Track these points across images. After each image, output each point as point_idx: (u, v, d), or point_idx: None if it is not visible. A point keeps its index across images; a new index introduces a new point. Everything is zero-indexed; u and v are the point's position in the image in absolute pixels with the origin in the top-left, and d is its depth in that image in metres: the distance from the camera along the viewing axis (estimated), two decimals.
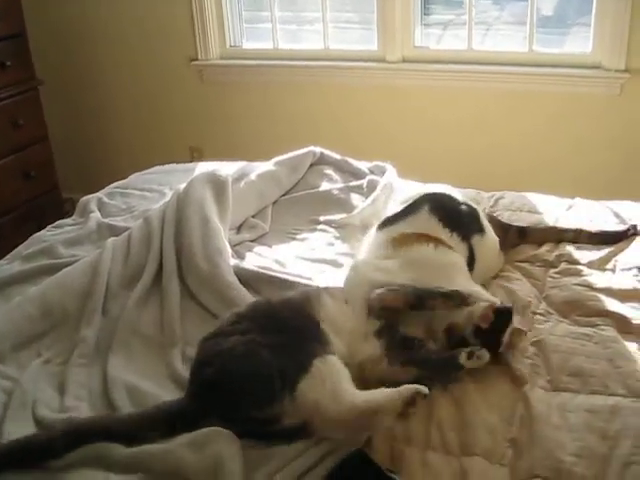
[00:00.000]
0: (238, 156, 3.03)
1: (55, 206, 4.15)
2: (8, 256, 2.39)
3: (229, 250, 2.23)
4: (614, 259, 2.22)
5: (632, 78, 3.65)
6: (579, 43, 3.86)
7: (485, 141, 4.00)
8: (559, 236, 2.32)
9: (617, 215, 2.47)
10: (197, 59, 4.44)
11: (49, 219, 2.78)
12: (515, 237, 2.31)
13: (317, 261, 2.25)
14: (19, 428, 1.61)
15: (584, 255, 2.24)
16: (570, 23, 4.02)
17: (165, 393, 1.74)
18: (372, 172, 2.58)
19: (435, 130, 4.08)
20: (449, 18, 4.24)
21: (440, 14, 4.32)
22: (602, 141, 3.82)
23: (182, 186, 2.43)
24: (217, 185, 2.43)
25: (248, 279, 2.13)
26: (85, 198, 2.73)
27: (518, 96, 3.93)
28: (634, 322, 1.92)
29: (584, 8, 3.78)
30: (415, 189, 2.35)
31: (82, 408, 1.71)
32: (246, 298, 2.01)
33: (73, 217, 2.65)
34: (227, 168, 2.69)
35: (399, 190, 2.54)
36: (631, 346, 1.84)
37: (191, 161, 3.61)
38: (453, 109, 4.03)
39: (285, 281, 2.09)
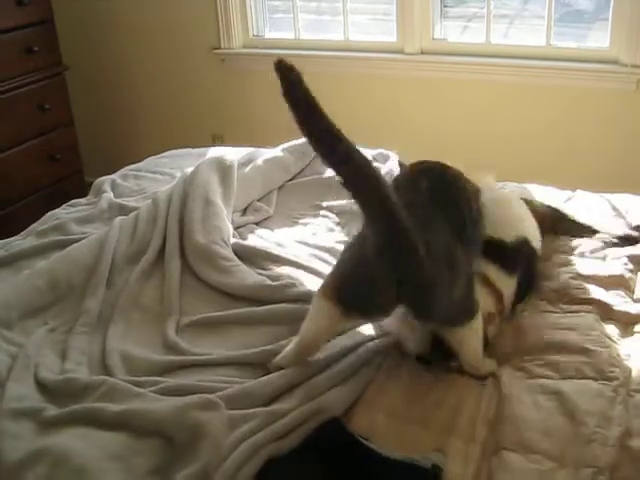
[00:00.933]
0: (258, 143, 3.10)
1: (79, 189, 4.25)
2: (23, 232, 2.49)
3: (230, 230, 2.33)
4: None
5: None
6: (601, 38, 3.87)
7: (501, 133, 4.04)
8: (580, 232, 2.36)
9: (614, 208, 2.52)
10: (220, 48, 4.53)
11: None
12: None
13: (315, 247, 2.32)
14: (21, 387, 1.73)
15: (577, 244, 2.30)
16: (593, 18, 4.03)
17: (155, 357, 1.86)
18: (375, 159, 2.65)
19: (452, 121, 4.12)
20: (473, 11, 4.28)
21: (461, 7, 4.37)
22: (617, 136, 3.84)
23: (190, 169, 2.53)
24: (223, 169, 2.52)
25: (246, 254, 2.25)
26: (100, 179, 2.83)
27: (535, 90, 3.96)
28: (615, 309, 1.98)
29: (608, 3, 3.80)
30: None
31: (80, 371, 1.81)
32: (241, 269, 2.13)
33: (88, 197, 2.75)
34: (236, 153, 2.77)
35: None
36: (611, 332, 1.91)
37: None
38: (471, 101, 4.07)
39: (280, 257, 2.19)
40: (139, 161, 3.18)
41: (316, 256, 2.26)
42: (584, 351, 1.82)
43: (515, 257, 2.03)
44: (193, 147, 3.30)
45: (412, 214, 1.56)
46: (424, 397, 1.71)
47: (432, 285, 1.59)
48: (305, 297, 1.95)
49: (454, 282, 1.65)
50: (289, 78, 1.52)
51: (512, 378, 1.77)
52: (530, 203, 2.28)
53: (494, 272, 1.94)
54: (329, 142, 1.54)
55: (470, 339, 1.74)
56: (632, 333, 1.92)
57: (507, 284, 1.97)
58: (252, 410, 1.62)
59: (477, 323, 1.74)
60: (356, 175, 1.54)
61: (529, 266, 2.08)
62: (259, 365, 1.81)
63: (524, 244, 2.08)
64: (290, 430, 1.57)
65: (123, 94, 4.94)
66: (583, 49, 3.96)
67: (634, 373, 1.75)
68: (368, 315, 1.77)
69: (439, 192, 1.77)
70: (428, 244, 1.56)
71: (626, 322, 1.96)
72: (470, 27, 4.30)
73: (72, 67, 4.39)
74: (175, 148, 3.34)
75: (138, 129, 4.98)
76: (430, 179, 1.81)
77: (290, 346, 1.77)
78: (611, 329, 1.92)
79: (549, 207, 2.39)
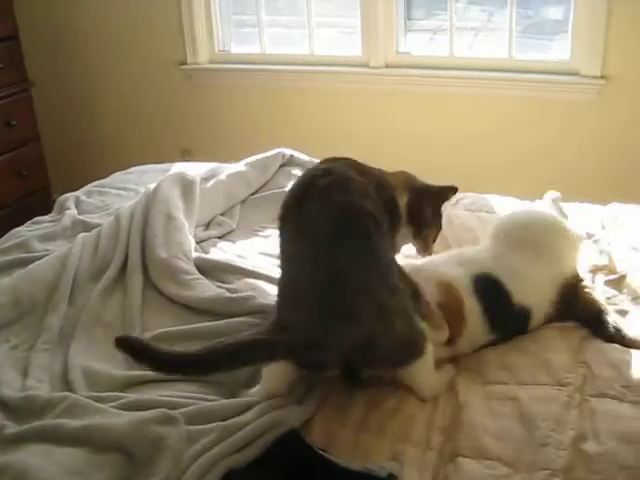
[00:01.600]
0: (227, 157, 3.13)
1: (46, 205, 4.24)
2: None
3: (192, 244, 2.35)
4: None
5: (608, 85, 3.73)
6: (565, 49, 3.93)
7: (464, 144, 4.08)
8: None
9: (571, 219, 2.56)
10: (186, 63, 4.55)
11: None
12: None
13: (276, 257, 2.33)
14: None
15: None
16: (557, 29, 4.09)
17: (117, 373, 1.88)
18: None
19: (417, 133, 4.17)
20: (438, 24, 4.33)
21: (426, 20, 4.43)
22: (579, 146, 3.90)
23: (152, 186, 2.54)
24: (185, 184, 2.55)
25: (207, 268, 2.27)
26: (64, 196, 2.83)
27: (498, 101, 4.01)
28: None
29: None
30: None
31: (42, 388, 1.82)
32: (202, 283, 2.16)
33: (51, 214, 2.75)
34: (199, 168, 2.80)
35: None
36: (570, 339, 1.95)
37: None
38: (434, 113, 4.12)
39: (242, 269, 2.22)
40: (107, 176, 3.19)
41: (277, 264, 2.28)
42: (538, 358, 1.86)
43: None
44: (162, 162, 3.32)
45: (319, 259, 1.64)
46: (380, 406, 1.73)
47: (368, 342, 1.63)
48: (264, 309, 1.98)
49: (390, 326, 1.66)
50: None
51: (468, 385, 1.80)
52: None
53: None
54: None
55: (421, 376, 1.75)
56: (589, 342, 1.95)
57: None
58: (210, 425, 1.64)
59: (426, 356, 1.74)
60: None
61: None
62: (215, 382, 1.83)
63: None
64: (248, 442, 1.59)
65: (90, 110, 4.94)
66: (545, 61, 4.03)
67: (589, 378, 1.79)
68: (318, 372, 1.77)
69: (339, 218, 1.71)
70: (353, 297, 1.62)
71: (583, 335, 1.98)
72: (436, 39, 4.36)
73: (38, 83, 4.40)
74: (144, 163, 3.35)
75: (106, 145, 4.98)
76: (327, 199, 1.74)
77: (257, 388, 1.78)
78: (570, 339, 1.96)
79: None
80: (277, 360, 1.66)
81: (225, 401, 1.75)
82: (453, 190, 2.09)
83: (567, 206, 2.49)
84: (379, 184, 1.86)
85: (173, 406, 1.69)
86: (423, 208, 2.00)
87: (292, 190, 1.85)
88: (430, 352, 1.75)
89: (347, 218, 1.69)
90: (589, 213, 2.64)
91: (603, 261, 2.29)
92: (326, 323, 1.60)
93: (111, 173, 3.24)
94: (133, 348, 1.61)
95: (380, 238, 1.72)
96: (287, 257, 1.79)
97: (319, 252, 1.65)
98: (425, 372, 1.75)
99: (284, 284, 1.77)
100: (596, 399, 1.72)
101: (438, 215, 2.06)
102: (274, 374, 1.73)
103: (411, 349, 1.70)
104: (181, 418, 1.63)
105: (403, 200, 1.94)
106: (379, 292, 1.65)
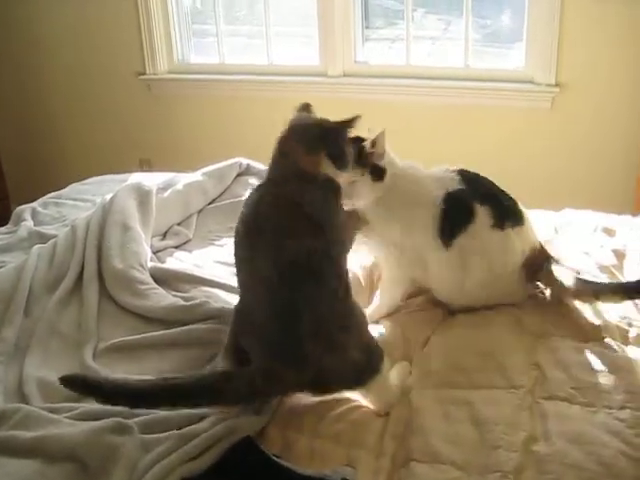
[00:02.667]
0: (186, 167, 3.12)
1: (4, 217, 4.21)
2: None
3: (148, 254, 2.35)
4: None
5: (562, 92, 3.81)
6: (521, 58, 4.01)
7: (421, 152, 4.06)
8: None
9: None
10: (145, 73, 4.56)
11: None
12: None
13: (233, 265, 2.34)
14: None
15: None
16: (514, 38, 4.16)
17: None
18: None
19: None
20: (397, 32, 4.37)
21: (385, 28, 4.48)
22: (534, 153, 3.97)
23: (109, 196, 2.54)
24: (141, 194, 2.55)
25: (163, 278, 2.27)
26: (20, 208, 2.82)
27: (454, 109, 4.07)
28: (527, 321, 2.08)
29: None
30: None
31: None
32: (157, 292, 2.16)
33: (7, 226, 2.73)
34: (156, 179, 2.80)
35: None
36: (523, 342, 1.99)
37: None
38: (393, 122, 4.09)
39: (198, 278, 2.22)
40: (66, 187, 3.17)
41: (232, 272, 2.28)
42: (494, 361, 1.90)
43: None
44: (121, 172, 3.31)
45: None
46: (335, 413, 1.74)
47: (323, 378, 1.65)
48: (219, 314, 2.00)
49: (344, 360, 1.67)
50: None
51: (422, 389, 1.82)
52: None
53: None
54: None
55: (376, 393, 1.76)
56: (542, 343, 1.99)
57: None
58: (166, 433, 1.64)
59: (382, 373, 1.75)
60: None
61: None
62: None
63: None
64: (203, 450, 1.59)
65: (49, 120, 4.92)
66: (500, 69, 4.11)
67: (540, 381, 1.83)
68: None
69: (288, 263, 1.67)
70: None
71: (537, 334, 2.03)
72: (395, 48, 4.40)
73: None
74: (104, 173, 3.34)
75: (66, 155, 4.96)
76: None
77: None
78: (524, 339, 2.00)
79: None
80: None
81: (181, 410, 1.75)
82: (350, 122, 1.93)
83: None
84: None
85: (127, 415, 1.69)
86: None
87: (242, 220, 1.81)
88: (386, 368, 1.78)
89: (295, 262, 1.66)
90: (543, 219, 2.68)
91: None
92: (280, 363, 1.61)
93: (71, 183, 3.22)
94: (79, 386, 1.64)
95: (329, 264, 1.70)
96: (240, 283, 1.79)
97: (268, 293, 1.65)
98: (381, 389, 1.76)
99: (239, 311, 1.79)
100: (547, 401, 1.75)
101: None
102: None
103: (368, 371, 1.72)
104: (135, 427, 1.63)
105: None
106: (332, 331, 1.65)
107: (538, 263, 2.15)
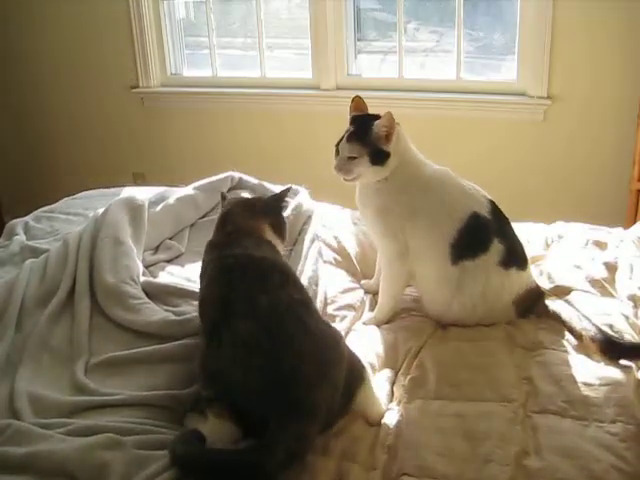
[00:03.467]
0: (179, 180, 3.12)
1: None
2: None
3: (140, 268, 2.34)
4: None
5: (554, 105, 3.83)
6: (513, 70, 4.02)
7: None
8: None
9: None
10: (138, 87, 4.56)
11: None
12: None
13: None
14: None
15: None
16: (506, 51, 4.17)
17: (63, 399, 1.86)
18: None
19: None
20: (390, 45, 4.39)
21: (378, 41, 4.49)
22: (526, 165, 3.99)
23: (101, 210, 2.54)
24: (133, 209, 2.54)
25: (155, 292, 2.26)
26: (12, 222, 2.81)
27: (447, 122, 4.08)
28: (519, 336, 2.10)
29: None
30: None
31: None
32: (149, 307, 2.15)
33: (0, 240, 2.73)
34: (148, 193, 2.80)
35: (316, 211, 2.67)
36: (515, 356, 2.00)
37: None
38: None
39: (189, 292, 2.22)
40: (59, 201, 3.17)
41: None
42: (485, 375, 1.91)
43: None
44: (115, 186, 3.31)
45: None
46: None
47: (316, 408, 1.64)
48: None
49: (334, 390, 1.68)
50: None
51: (414, 402, 1.83)
52: None
53: None
54: None
55: (367, 403, 1.78)
56: (533, 357, 1.99)
57: None
58: (161, 451, 1.63)
59: (367, 382, 1.78)
60: None
61: None
62: (162, 407, 1.83)
63: None
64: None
65: (43, 134, 4.93)
66: (492, 82, 4.12)
67: (532, 395, 1.83)
68: None
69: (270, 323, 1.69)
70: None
71: (529, 348, 2.04)
72: (388, 60, 4.42)
73: None
74: (97, 187, 3.33)
75: (59, 169, 4.96)
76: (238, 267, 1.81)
77: None
78: (515, 353, 2.02)
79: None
80: None
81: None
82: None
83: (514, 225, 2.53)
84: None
85: (120, 432, 1.68)
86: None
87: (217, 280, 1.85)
88: (370, 376, 1.81)
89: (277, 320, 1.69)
90: (534, 232, 2.69)
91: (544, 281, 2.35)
92: (304, 424, 1.60)
93: (64, 197, 3.22)
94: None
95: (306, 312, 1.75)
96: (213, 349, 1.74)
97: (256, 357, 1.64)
98: (368, 398, 1.78)
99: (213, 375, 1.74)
100: (538, 415, 1.76)
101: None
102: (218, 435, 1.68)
103: (353, 384, 1.74)
104: (128, 443, 1.62)
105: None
106: (328, 367, 1.68)
107: (531, 300, 2.21)
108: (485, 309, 2.16)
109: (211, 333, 1.74)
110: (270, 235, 1.99)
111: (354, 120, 2.26)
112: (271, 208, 2.06)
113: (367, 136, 2.13)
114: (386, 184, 2.17)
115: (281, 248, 2.02)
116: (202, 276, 1.94)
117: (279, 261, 1.92)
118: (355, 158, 2.13)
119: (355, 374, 1.74)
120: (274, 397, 1.59)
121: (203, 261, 1.97)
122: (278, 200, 2.09)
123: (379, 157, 2.13)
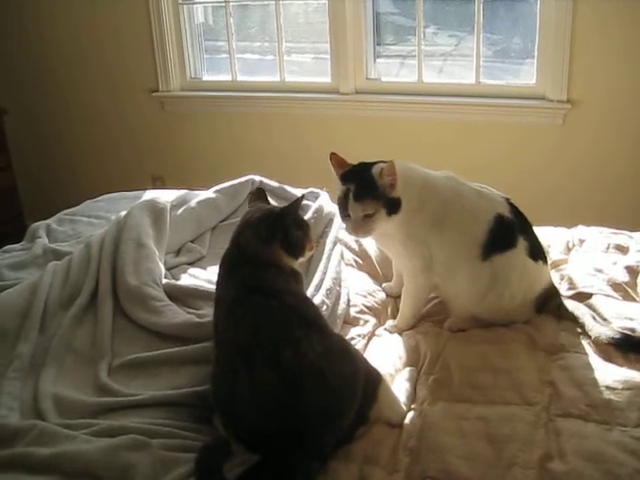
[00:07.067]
0: (199, 184, 3.14)
1: (19, 233, 4.21)
2: None
3: (162, 271, 2.36)
4: None
5: (573, 109, 3.81)
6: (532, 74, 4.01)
7: (433, 169, 4.11)
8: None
9: None
10: (158, 90, 4.59)
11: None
12: None
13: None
14: None
15: None
16: (525, 54, 4.16)
17: (87, 400, 1.88)
18: (306, 198, 2.70)
19: (386, 158, 4.18)
20: (409, 49, 4.39)
21: (397, 45, 4.50)
22: (546, 169, 3.97)
23: (123, 213, 2.56)
24: (155, 212, 2.56)
25: (177, 294, 2.28)
26: (35, 224, 2.84)
27: (466, 126, 4.08)
28: (539, 340, 2.08)
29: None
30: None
31: (12, 417, 1.81)
32: (171, 309, 2.16)
33: (22, 242, 2.75)
34: (169, 196, 2.81)
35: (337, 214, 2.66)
36: (537, 359, 2.00)
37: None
38: (404, 138, 4.17)
39: (211, 294, 2.21)
40: (80, 203, 3.20)
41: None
42: (508, 377, 1.91)
43: None
44: (134, 189, 3.33)
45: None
46: None
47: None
48: None
49: (351, 402, 1.68)
50: None
51: (436, 404, 1.83)
52: None
53: None
54: None
55: (386, 404, 1.78)
56: (555, 360, 1.99)
57: None
58: (187, 454, 1.64)
59: (384, 383, 1.78)
60: None
61: None
62: (186, 406, 1.84)
63: None
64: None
65: (63, 138, 4.96)
66: (511, 86, 4.10)
67: (555, 398, 1.83)
68: None
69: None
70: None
71: (551, 351, 2.04)
72: (407, 64, 4.41)
73: (10, 110, 4.40)
74: (117, 190, 3.36)
75: (79, 171, 4.99)
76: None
77: None
78: (537, 356, 2.01)
79: None
80: None
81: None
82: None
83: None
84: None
85: (145, 433, 1.69)
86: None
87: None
88: (386, 379, 1.82)
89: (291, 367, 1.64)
90: (555, 236, 2.69)
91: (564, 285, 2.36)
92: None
93: (85, 200, 3.25)
94: None
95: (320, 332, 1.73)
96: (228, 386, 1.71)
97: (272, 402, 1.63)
98: (387, 398, 1.78)
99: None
100: (562, 419, 1.76)
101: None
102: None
103: (371, 385, 1.74)
104: (154, 444, 1.64)
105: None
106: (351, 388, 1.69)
107: (547, 297, 2.22)
108: (521, 299, 2.16)
109: (226, 365, 1.71)
110: (285, 258, 1.88)
111: (347, 178, 2.16)
112: (278, 227, 1.89)
113: (375, 190, 2.06)
114: (402, 213, 2.12)
115: (297, 264, 1.92)
116: (218, 302, 1.89)
117: (303, 304, 1.82)
118: (371, 215, 2.06)
119: (368, 392, 1.73)
120: (281, 438, 1.60)
121: (218, 283, 1.93)
122: (287, 215, 1.90)
123: (394, 206, 2.07)
